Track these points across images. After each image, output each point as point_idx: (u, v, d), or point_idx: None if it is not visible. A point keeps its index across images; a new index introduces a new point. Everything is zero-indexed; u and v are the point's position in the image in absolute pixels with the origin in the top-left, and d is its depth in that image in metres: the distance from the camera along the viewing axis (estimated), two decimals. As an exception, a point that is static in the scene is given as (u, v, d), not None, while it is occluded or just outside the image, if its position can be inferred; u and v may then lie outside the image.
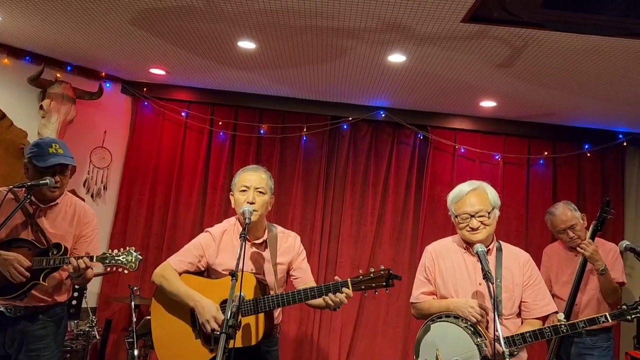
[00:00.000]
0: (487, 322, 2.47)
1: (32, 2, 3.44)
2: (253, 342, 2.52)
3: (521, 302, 2.57)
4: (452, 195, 2.65)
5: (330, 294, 2.45)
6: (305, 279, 2.82)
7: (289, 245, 2.83)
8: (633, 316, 2.41)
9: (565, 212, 3.59)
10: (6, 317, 2.66)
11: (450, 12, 2.99)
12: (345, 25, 3.31)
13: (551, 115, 4.82)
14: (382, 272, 2.41)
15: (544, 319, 2.60)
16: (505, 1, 2.74)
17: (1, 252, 2.58)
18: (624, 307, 2.43)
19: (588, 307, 3.57)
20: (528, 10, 2.79)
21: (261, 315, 2.55)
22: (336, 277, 2.49)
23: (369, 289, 2.43)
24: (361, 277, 2.44)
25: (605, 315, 2.39)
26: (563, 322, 2.40)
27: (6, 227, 2.62)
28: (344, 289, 2.43)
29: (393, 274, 2.41)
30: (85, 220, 2.86)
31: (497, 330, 2.09)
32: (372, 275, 2.42)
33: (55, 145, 2.71)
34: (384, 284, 2.40)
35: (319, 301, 2.55)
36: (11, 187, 2.67)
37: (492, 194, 2.60)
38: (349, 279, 2.45)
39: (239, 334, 2.47)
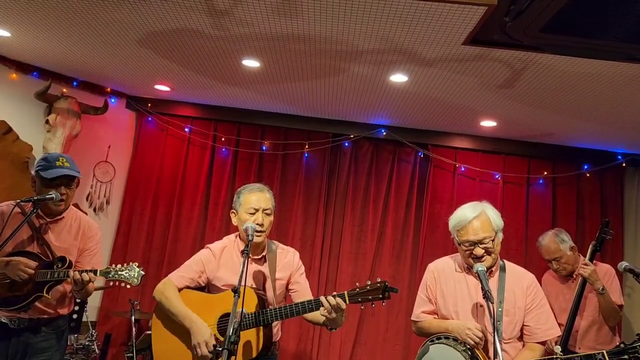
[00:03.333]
0: (487, 344, 2.45)
1: (41, 20, 3.51)
2: (254, 355, 2.54)
3: (523, 325, 2.53)
4: (454, 221, 2.57)
5: (324, 305, 2.45)
6: (302, 293, 2.84)
7: (287, 260, 2.86)
8: (632, 356, 2.32)
9: (550, 245, 3.63)
10: (10, 329, 2.68)
11: (451, 34, 3.05)
12: (349, 47, 3.37)
13: (551, 135, 4.87)
14: (378, 285, 2.43)
15: (545, 343, 2.56)
16: (506, 25, 2.80)
17: (9, 258, 2.63)
18: (622, 345, 2.33)
19: (589, 332, 3.57)
20: (527, 34, 2.84)
21: (260, 329, 2.57)
22: (333, 294, 2.51)
23: (365, 302, 2.44)
24: (358, 289, 2.46)
25: (603, 353, 2.34)
26: (560, 356, 2.38)
27: (13, 241, 2.66)
28: (331, 299, 2.44)
29: (389, 287, 2.43)
30: (89, 234, 2.91)
31: (497, 357, 2.08)
32: (368, 287, 2.44)
33: (62, 159, 2.78)
34: (381, 296, 2.42)
35: (316, 316, 2.57)
36: (18, 201, 2.71)
37: (494, 218, 2.53)
38: (345, 292, 2.47)
39: (239, 347, 2.49)
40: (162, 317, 2.74)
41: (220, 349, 2.06)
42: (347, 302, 2.45)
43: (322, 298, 2.47)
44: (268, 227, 2.73)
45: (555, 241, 3.61)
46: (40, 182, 2.74)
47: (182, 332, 2.66)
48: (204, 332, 2.54)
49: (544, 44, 2.96)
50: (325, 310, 2.44)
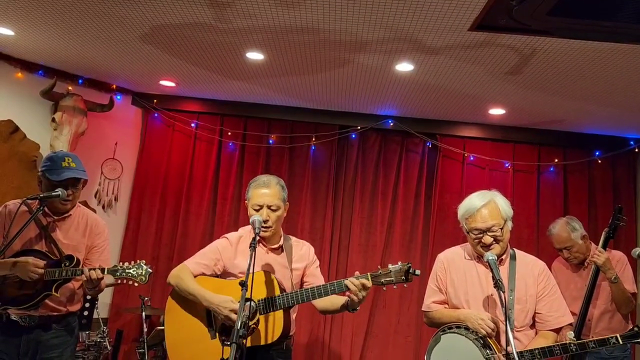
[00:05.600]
0: (499, 333, 2.43)
1: (43, 18, 3.51)
2: (269, 341, 2.54)
3: (535, 313, 2.51)
4: (463, 210, 2.56)
5: (351, 281, 2.46)
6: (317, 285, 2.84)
7: (303, 252, 2.89)
8: None
9: (561, 234, 3.56)
10: (21, 327, 2.69)
11: (457, 20, 3.00)
12: (353, 37, 3.33)
13: (561, 122, 4.80)
14: (400, 267, 2.43)
15: (558, 330, 2.53)
16: (512, 9, 2.74)
17: (16, 259, 2.63)
18: (636, 328, 2.31)
19: (601, 321, 3.51)
20: (534, 18, 2.79)
21: (281, 316, 2.57)
22: (356, 273, 2.51)
23: (388, 284, 2.44)
24: (380, 271, 2.46)
25: (616, 337, 2.30)
26: (573, 341, 2.34)
27: (20, 239, 2.67)
28: (357, 280, 2.45)
29: (411, 269, 2.41)
30: (97, 231, 2.91)
31: (509, 345, 2.06)
32: (391, 269, 2.44)
33: (68, 159, 2.76)
34: (403, 278, 2.41)
35: (333, 303, 2.64)
36: (24, 199, 2.71)
37: (503, 206, 2.52)
38: (368, 273, 2.47)
39: (261, 331, 2.52)
40: (176, 305, 2.74)
41: (228, 343, 2.05)
42: (371, 283, 2.46)
43: (347, 280, 2.47)
44: (275, 222, 2.71)
45: (567, 230, 3.55)
46: (46, 183, 2.73)
47: (197, 317, 2.68)
48: (226, 303, 2.55)
49: (552, 27, 2.90)
50: (354, 288, 2.44)
